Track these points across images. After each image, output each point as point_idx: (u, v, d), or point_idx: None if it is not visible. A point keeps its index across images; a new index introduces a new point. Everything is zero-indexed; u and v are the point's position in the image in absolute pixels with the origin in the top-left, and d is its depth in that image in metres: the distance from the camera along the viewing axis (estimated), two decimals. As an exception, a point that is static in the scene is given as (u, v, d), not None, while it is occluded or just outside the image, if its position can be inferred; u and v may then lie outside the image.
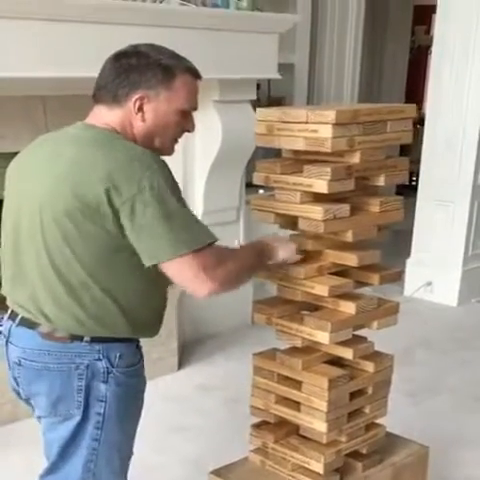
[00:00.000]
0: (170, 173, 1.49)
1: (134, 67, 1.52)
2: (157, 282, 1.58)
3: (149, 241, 1.42)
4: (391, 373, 2.02)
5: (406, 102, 6.64)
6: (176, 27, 3.06)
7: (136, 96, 1.52)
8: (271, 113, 1.75)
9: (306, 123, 1.66)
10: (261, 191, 3.59)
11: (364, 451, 2.03)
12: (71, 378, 1.53)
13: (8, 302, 1.62)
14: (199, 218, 1.54)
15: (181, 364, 3.58)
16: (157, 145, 1.57)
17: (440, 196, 4.49)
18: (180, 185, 4.02)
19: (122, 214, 1.40)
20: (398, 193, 5.42)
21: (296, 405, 1.92)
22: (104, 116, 1.55)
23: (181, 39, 3.06)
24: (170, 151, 1.64)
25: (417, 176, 4.76)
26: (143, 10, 3.00)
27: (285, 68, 4.48)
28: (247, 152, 3.55)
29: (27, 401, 1.66)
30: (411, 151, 5.45)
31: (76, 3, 2.68)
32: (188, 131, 1.63)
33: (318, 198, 1.72)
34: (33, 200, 1.50)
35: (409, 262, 4.68)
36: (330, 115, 1.61)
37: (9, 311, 1.61)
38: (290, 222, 1.81)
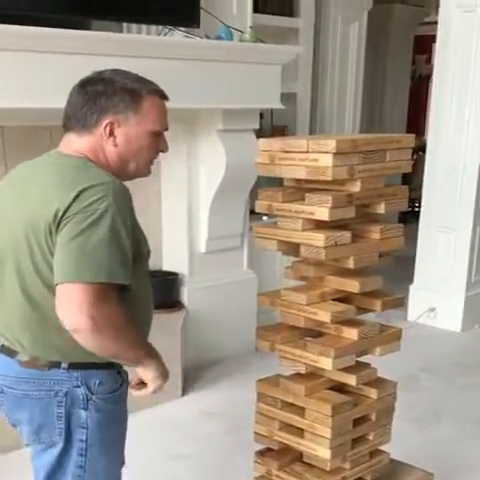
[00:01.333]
0: (123, 201, 1.44)
1: (101, 93, 1.52)
2: (135, 306, 1.51)
3: (62, 259, 1.39)
4: (394, 400, 2.03)
5: (408, 130, 6.74)
6: (180, 59, 3.11)
7: (106, 121, 1.51)
8: (273, 143, 1.79)
9: (307, 152, 1.70)
10: (265, 218, 3.61)
11: (368, 478, 2.04)
12: (51, 405, 1.51)
13: None
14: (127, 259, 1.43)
15: (185, 390, 3.57)
16: (132, 168, 1.57)
17: (442, 222, 4.51)
18: (184, 212, 4.04)
19: (59, 230, 1.40)
20: (401, 219, 5.46)
21: (300, 432, 1.93)
22: (74, 144, 1.54)
23: (185, 71, 3.13)
24: (146, 173, 1.63)
25: (419, 202, 4.79)
26: (146, 43, 3.06)
27: (288, 97, 4.53)
28: (250, 180, 3.59)
29: (15, 428, 1.62)
30: (413, 178, 5.50)
31: (78, 36, 2.72)
32: (162, 151, 1.63)
33: (319, 225, 1.75)
34: (10, 227, 1.49)
35: (412, 288, 4.69)
36: (330, 145, 1.64)
37: None
38: (292, 249, 1.84)
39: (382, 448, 2.07)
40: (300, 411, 1.91)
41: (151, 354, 1.56)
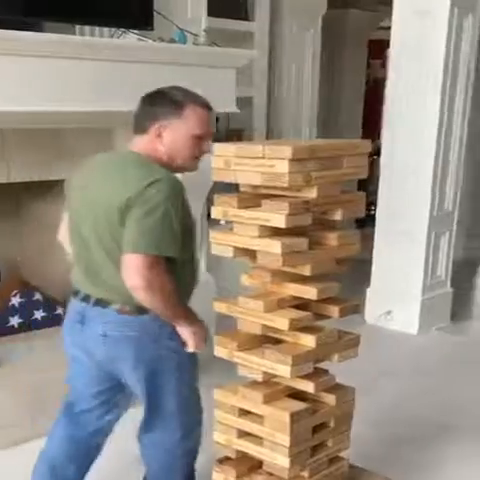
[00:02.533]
0: (174, 195, 1.79)
1: (154, 104, 1.95)
2: (179, 279, 1.87)
3: (128, 234, 1.79)
4: (353, 406, 2.02)
5: (363, 134, 6.80)
6: (133, 62, 3.08)
7: (156, 126, 1.90)
8: (228, 148, 1.77)
9: (263, 158, 1.68)
10: (222, 222, 3.59)
11: (328, 485, 2.02)
12: (145, 342, 1.89)
13: (81, 288, 1.96)
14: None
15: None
16: (178, 163, 1.93)
17: (398, 227, 4.55)
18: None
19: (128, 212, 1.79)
20: (357, 223, 5.50)
21: (259, 440, 1.91)
22: (138, 143, 1.95)
23: (138, 74, 3.09)
24: (192, 168, 1.99)
25: (375, 206, 4.83)
26: (99, 45, 3.01)
27: (243, 102, 4.52)
28: (207, 184, 3.56)
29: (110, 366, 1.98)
30: (369, 182, 5.54)
31: (33, 38, 2.68)
32: (204, 152, 1.95)
33: (276, 232, 1.73)
34: (95, 206, 1.87)
35: (369, 291, 4.73)
36: (287, 151, 1.63)
37: (81, 295, 1.95)
38: (249, 256, 1.82)
39: (341, 454, 2.06)
40: (259, 419, 1.89)
41: (186, 316, 1.90)
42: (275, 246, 1.70)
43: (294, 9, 4.78)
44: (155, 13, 3.25)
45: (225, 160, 1.77)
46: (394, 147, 4.45)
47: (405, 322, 4.58)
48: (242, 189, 1.83)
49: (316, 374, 1.89)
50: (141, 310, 1.87)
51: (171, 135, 1.91)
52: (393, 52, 4.37)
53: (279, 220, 1.68)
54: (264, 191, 1.76)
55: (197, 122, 1.93)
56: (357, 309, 1.94)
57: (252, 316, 1.83)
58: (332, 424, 1.97)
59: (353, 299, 1.94)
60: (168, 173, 1.84)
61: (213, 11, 4.15)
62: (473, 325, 5.00)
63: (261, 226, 1.72)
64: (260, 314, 1.81)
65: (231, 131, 4.44)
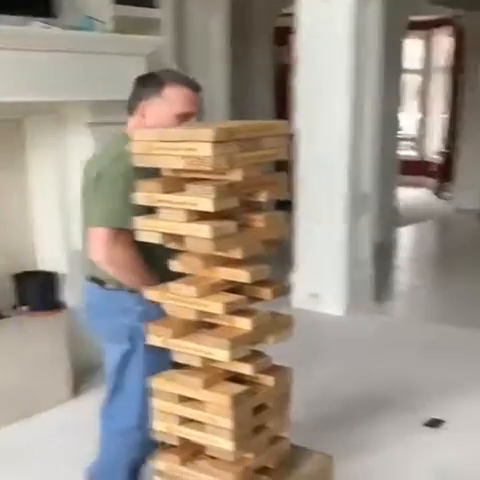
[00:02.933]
0: (127, 170, 1.89)
1: (140, 84, 2.08)
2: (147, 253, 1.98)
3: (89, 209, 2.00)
4: (291, 386, 2.03)
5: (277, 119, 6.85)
6: (39, 50, 3.00)
7: (140, 105, 2.05)
8: (148, 133, 1.74)
9: (184, 142, 1.65)
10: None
11: (270, 465, 2.03)
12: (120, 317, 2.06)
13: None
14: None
15: (75, 393, 3.47)
16: None
17: (317, 210, 4.62)
18: (56, 208, 3.85)
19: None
20: (279, 209, 5.54)
21: (201, 425, 1.89)
22: (129, 124, 2.10)
23: (45, 62, 3.02)
24: None
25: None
26: (3, 33, 2.90)
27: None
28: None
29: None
30: (289, 167, 5.59)
31: None
32: None
33: (204, 216, 1.71)
34: (82, 187, 2.08)
35: (295, 275, 4.78)
36: (208, 133, 1.61)
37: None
38: (178, 241, 1.79)
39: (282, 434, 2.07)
40: (199, 404, 1.87)
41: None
42: (204, 230, 1.68)
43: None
44: (62, 1, 3.17)
45: (146, 145, 1.73)
46: (309, 132, 4.51)
47: (331, 304, 4.66)
48: (165, 174, 1.80)
49: (253, 356, 1.88)
50: (121, 285, 2.03)
51: (153, 114, 2.02)
52: (299, 38, 4.42)
53: (206, 204, 1.66)
54: (187, 175, 1.74)
55: (178, 101, 2.02)
56: (288, 291, 1.95)
57: (185, 302, 1.81)
58: (272, 405, 1.97)
59: (283, 281, 1.94)
60: (125, 149, 1.87)
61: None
62: (395, 305, 5.17)
63: (188, 210, 1.70)
64: (193, 299, 1.79)
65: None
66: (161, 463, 1.99)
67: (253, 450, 1.92)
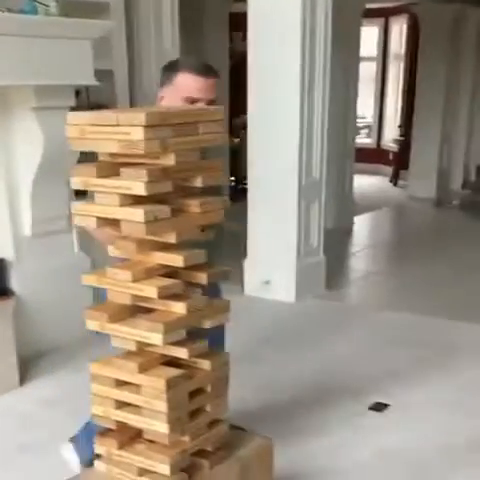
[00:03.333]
0: None
1: (162, 71, 2.22)
2: None
3: None
4: (228, 370, 2.04)
5: (231, 109, 6.81)
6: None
7: (159, 92, 2.20)
8: (82, 116, 1.73)
9: (117, 126, 1.65)
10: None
11: (209, 448, 2.05)
12: None
13: None
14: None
15: (22, 379, 3.47)
16: None
17: (268, 197, 4.64)
18: (3, 194, 3.83)
19: None
20: (232, 197, 5.55)
21: (137, 409, 1.90)
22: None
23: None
24: None
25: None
26: None
27: (103, 75, 4.42)
28: (71, 159, 3.48)
29: None
30: (242, 155, 5.61)
31: None
32: None
33: (138, 201, 1.71)
34: None
35: (246, 262, 4.81)
36: (140, 117, 1.61)
37: None
38: (114, 226, 1.78)
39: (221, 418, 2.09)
40: (135, 388, 1.88)
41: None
42: (137, 214, 1.68)
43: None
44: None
45: (80, 129, 1.72)
46: (260, 118, 4.53)
47: (282, 291, 4.70)
48: (101, 158, 1.79)
49: (189, 341, 1.89)
50: None
51: (167, 100, 2.16)
52: (250, 23, 4.42)
53: (139, 188, 1.66)
54: (123, 159, 1.73)
55: (186, 88, 2.12)
56: (226, 275, 1.95)
57: (121, 287, 1.81)
58: (209, 389, 1.98)
59: (221, 266, 1.95)
60: None
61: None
62: (347, 291, 5.24)
63: (122, 195, 1.70)
64: (129, 284, 1.79)
65: (92, 105, 4.35)
66: (100, 447, 2.00)
67: (190, 433, 1.93)
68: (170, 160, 1.70)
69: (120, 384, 1.91)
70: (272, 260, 4.72)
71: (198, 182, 1.81)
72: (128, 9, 4.71)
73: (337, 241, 6.69)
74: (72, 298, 3.69)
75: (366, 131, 12.14)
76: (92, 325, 1.88)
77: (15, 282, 3.67)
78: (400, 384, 3.48)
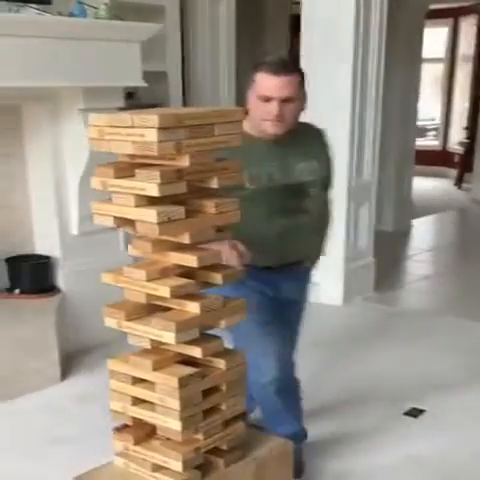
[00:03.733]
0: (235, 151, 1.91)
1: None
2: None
3: None
4: (245, 370, 2.06)
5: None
6: (32, 36, 3.06)
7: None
8: (101, 118, 1.77)
9: (133, 127, 1.69)
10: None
11: (225, 447, 2.07)
12: None
13: None
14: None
15: (64, 375, 3.56)
16: (255, 123, 2.30)
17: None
18: (52, 193, 3.93)
19: None
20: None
21: (152, 406, 1.94)
22: None
23: (39, 48, 3.07)
24: (266, 129, 2.29)
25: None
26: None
27: (158, 76, 4.51)
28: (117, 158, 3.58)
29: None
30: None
31: None
32: (271, 114, 2.24)
33: (153, 201, 1.74)
34: None
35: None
36: (153, 119, 1.64)
37: None
38: (130, 226, 1.83)
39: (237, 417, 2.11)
40: (150, 385, 1.92)
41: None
42: (151, 215, 1.71)
43: (205, -19, 4.76)
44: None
45: (99, 130, 1.76)
46: (311, 119, 4.49)
47: (330, 293, 4.65)
48: (120, 159, 1.84)
49: (204, 340, 1.92)
50: None
51: (249, 100, 2.28)
52: (303, 27, 4.40)
53: (152, 189, 1.69)
54: (140, 160, 1.77)
55: (260, 86, 2.22)
56: (241, 275, 1.97)
57: (137, 285, 1.85)
58: (224, 388, 2.00)
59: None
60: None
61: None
62: (398, 295, 5.15)
63: (137, 195, 1.74)
64: (143, 283, 1.83)
65: (144, 106, 4.42)
66: (117, 443, 2.05)
67: (204, 431, 1.96)
68: (184, 161, 1.72)
69: (136, 381, 1.95)
70: (319, 262, 4.67)
71: (214, 183, 1.83)
72: (184, 11, 4.77)
73: (394, 244, 6.59)
74: (116, 296, 3.80)
75: (434, 133, 11.87)
76: (110, 322, 1.93)
77: (61, 280, 3.78)
78: (440, 391, 3.42)
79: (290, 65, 2.29)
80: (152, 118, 1.64)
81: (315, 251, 2.71)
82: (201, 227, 1.82)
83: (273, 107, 2.24)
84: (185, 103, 4.84)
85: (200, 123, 1.74)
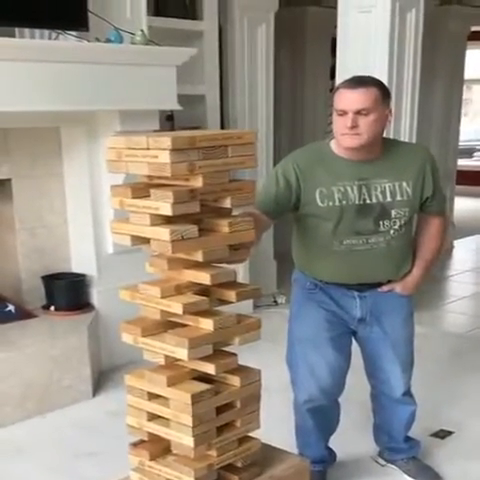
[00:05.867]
0: (286, 166, 2.35)
1: None
2: (301, 235, 2.49)
3: None
4: (260, 387, 2.08)
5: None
6: (71, 62, 3.16)
7: None
8: (119, 140, 1.84)
9: (148, 149, 1.75)
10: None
11: (239, 465, 2.08)
12: None
13: None
14: None
15: (96, 391, 3.61)
16: (337, 138, 2.31)
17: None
18: (89, 214, 3.97)
19: None
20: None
21: (166, 422, 1.98)
22: None
23: (74, 74, 3.18)
24: (344, 143, 2.29)
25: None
26: (35, 47, 3.09)
27: (196, 99, 4.60)
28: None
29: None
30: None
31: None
32: (346, 127, 2.23)
33: (167, 220, 1.80)
34: None
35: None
36: (166, 141, 1.69)
37: None
38: (147, 244, 1.88)
39: (253, 435, 2.12)
40: (165, 401, 1.96)
41: None
42: (164, 233, 1.76)
43: (244, 6, 4.83)
44: (92, 15, 3.33)
45: (117, 152, 1.83)
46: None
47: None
48: (138, 179, 1.90)
49: (218, 356, 1.95)
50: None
51: (333, 117, 2.30)
52: (339, 48, 4.42)
53: (166, 208, 1.75)
54: (157, 181, 1.83)
55: (337, 100, 2.25)
56: (257, 294, 2.00)
57: (152, 302, 1.90)
58: (238, 405, 2.03)
59: (252, 284, 2.00)
60: (302, 149, 2.47)
61: (161, 11, 4.24)
62: (435, 314, 5.07)
63: (152, 215, 1.79)
64: (158, 300, 1.88)
65: (182, 129, 4.51)
66: (133, 458, 2.08)
67: (217, 448, 1.98)
68: (197, 182, 1.78)
69: (152, 397, 1.99)
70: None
71: (227, 203, 1.87)
72: (223, 35, 4.86)
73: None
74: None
75: (475, 154, 11.71)
76: (127, 338, 1.99)
77: (96, 297, 3.86)
78: (470, 414, 3.36)
79: (367, 79, 2.28)
80: (165, 140, 1.70)
81: (393, 274, 2.50)
82: (214, 245, 1.86)
83: (348, 119, 2.22)
84: (222, 126, 4.91)
85: (213, 145, 1.79)
